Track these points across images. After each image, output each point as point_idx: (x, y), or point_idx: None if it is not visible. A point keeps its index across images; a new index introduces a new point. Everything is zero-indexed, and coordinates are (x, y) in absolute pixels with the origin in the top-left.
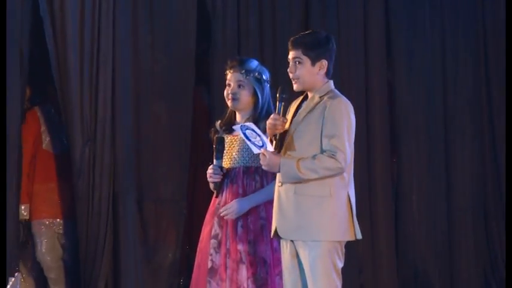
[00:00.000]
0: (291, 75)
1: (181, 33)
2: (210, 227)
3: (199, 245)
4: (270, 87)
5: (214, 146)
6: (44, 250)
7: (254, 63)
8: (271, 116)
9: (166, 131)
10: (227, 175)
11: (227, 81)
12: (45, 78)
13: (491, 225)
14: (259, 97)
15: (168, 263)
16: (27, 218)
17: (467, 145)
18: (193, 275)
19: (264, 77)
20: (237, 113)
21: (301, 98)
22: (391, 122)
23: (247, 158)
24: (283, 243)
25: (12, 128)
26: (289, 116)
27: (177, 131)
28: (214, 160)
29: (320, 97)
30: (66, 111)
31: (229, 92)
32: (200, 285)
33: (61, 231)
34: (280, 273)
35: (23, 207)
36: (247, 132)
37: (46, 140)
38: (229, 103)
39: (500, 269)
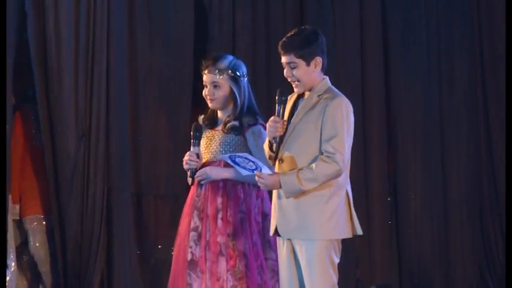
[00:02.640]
0: (288, 79)
1: (179, 29)
2: (188, 220)
3: (177, 238)
4: (249, 81)
5: (191, 133)
6: (37, 244)
7: (227, 61)
8: (271, 118)
9: (165, 126)
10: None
11: (204, 82)
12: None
13: (487, 221)
14: (236, 95)
15: (168, 258)
16: (18, 217)
17: (463, 142)
18: (172, 268)
19: (238, 73)
20: (218, 111)
21: (296, 95)
22: (388, 119)
23: (228, 153)
24: (279, 240)
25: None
26: (285, 114)
27: (176, 125)
28: (191, 147)
29: (318, 96)
30: (60, 108)
31: (206, 93)
32: (180, 278)
33: (53, 227)
34: (259, 267)
35: (16, 207)
36: (238, 160)
37: (37, 136)
38: (208, 104)
39: (496, 265)
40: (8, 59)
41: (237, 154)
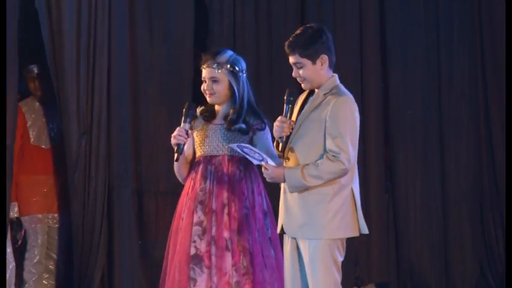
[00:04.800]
0: (297, 79)
1: (179, 27)
2: (188, 213)
3: (180, 233)
4: (247, 77)
5: (184, 110)
6: (34, 244)
7: (226, 55)
8: (278, 118)
9: (165, 123)
10: (211, 163)
11: (202, 77)
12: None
13: (488, 217)
14: (235, 89)
15: None
16: (17, 215)
17: (463, 138)
18: (169, 260)
19: (237, 68)
20: (215, 105)
21: (306, 93)
22: (386, 118)
23: (231, 147)
24: (285, 237)
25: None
26: (295, 110)
27: (176, 122)
28: (182, 123)
29: (324, 94)
30: (62, 104)
31: (205, 88)
32: (183, 272)
33: (54, 225)
34: (262, 264)
35: (14, 206)
36: (245, 150)
37: (33, 134)
38: (207, 98)
39: (497, 262)
40: (8, 57)
41: (243, 145)
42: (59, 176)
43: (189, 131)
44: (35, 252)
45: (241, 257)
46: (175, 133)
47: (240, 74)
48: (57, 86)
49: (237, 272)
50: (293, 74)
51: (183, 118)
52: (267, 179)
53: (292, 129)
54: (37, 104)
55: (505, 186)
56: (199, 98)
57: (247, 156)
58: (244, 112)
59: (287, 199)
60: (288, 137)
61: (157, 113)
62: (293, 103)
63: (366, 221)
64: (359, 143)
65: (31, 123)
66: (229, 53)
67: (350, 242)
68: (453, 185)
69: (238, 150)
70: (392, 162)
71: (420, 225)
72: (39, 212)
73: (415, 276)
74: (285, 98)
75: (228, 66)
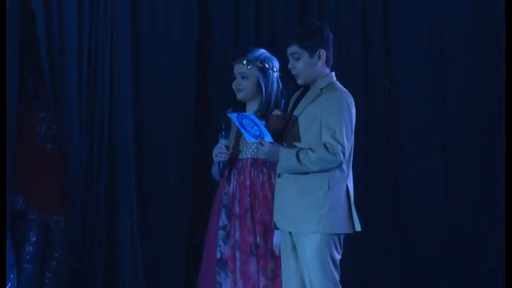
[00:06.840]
0: (292, 71)
1: (182, 25)
2: (217, 217)
3: (207, 235)
4: (280, 77)
5: (222, 126)
6: (36, 239)
7: (257, 53)
8: (274, 111)
9: (168, 122)
10: (234, 166)
11: (234, 74)
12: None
13: (488, 217)
14: (263, 86)
15: (172, 255)
16: (23, 208)
17: (466, 139)
18: (202, 265)
19: (267, 65)
20: (246, 103)
21: (302, 89)
22: (389, 118)
23: (255, 150)
24: (282, 233)
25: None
26: (290, 105)
27: (179, 121)
28: (220, 139)
29: (321, 89)
30: (63, 103)
31: (234, 84)
32: (209, 275)
33: (55, 225)
34: None
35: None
36: (244, 121)
37: (40, 133)
38: (236, 95)
39: (497, 262)
40: (9, 57)
41: (244, 114)
42: (61, 176)
43: (230, 147)
44: (31, 248)
45: (268, 260)
46: (214, 151)
47: (270, 71)
48: (54, 86)
49: (264, 275)
50: (289, 65)
51: (221, 134)
52: (261, 155)
53: (288, 123)
54: (42, 103)
55: (505, 186)
56: (202, 99)
57: (243, 130)
58: (270, 110)
59: (280, 193)
60: (282, 131)
61: (160, 112)
62: (288, 97)
63: (368, 220)
64: (362, 142)
65: (41, 124)
66: (261, 51)
67: (351, 240)
68: (455, 184)
69: (236, 122)
70: (396, 163)
71: (422, 225)
72: (40, 211)
73: (416, 276)
74: (281, 92)
75: (258, 63)
